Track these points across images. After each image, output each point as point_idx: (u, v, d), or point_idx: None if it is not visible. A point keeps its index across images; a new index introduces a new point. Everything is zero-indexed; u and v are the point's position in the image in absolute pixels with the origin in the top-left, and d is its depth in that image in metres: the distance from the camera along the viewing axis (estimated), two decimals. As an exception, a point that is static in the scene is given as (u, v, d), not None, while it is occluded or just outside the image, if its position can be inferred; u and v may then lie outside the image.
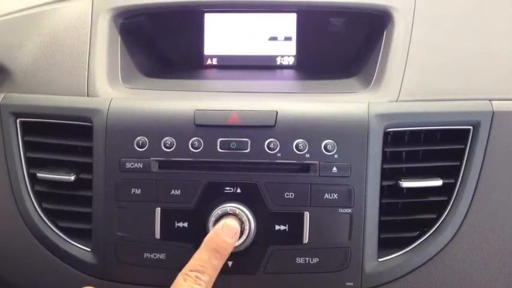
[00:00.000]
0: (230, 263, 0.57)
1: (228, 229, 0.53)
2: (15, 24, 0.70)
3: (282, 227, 0.57)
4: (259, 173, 0.57)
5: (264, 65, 0.79)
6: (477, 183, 0.59)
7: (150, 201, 0.58)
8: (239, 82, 0.74)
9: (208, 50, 0.80)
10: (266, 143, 0.58)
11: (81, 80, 0.65)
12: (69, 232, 0.63)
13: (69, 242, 0.62)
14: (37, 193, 0.63)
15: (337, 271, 0.58)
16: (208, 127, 0.58)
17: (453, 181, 0.60)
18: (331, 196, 0.57)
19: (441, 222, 0.60)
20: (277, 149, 0.57)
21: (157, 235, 0.58)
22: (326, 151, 0.57)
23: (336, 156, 0.57)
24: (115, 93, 0.64)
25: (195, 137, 0.58)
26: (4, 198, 0.63)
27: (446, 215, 0.60)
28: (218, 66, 0.80)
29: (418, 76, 0.63)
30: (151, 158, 0.58)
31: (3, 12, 0.72)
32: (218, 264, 0.51)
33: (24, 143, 0.64)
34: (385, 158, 0.59)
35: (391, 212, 0.60)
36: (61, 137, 0.63)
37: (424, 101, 0.61)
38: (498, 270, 0.60)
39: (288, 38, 0.79)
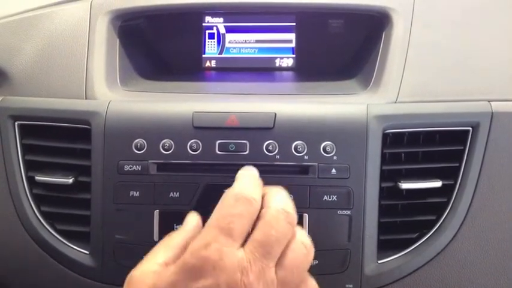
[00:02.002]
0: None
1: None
2: (14, 27, 0.69)
3: None
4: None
5: (262, 67, 0.79)
6: (476, 184, 0.59)
7: (148, 203, 0.58)
8: (238, 84, 0.74)
9: (207, 52, 0.80)
10: (265, 145, 0.57)
11: (79, 83, 0.65)
12: (68, 235, 0.62)
13: (68, 245, 0.62)
14: (35, 196, 0.63)
15: (337, 273, 0.58)
16: (207, 129, 0.58)
17: (452, 182, 0.60)
18: (330, 198, 0.57)
19: (441, 224, 0.60)
20: (276, 151, 0.57)
21: (156, 238, 0.58)
22: (325, 153, 0.57)
23: (335, 157, 0.57)
24: (113, 95, 0.64)
25: (194, 139, 0.58)
26: (2, 201, 0.63)
27: (446, 216, 0.60)
28: (217, 68, 0.80)
29: (417, 77, 0.63)
30: (149, 161, 0.58)
31: (1, 15, 0.72)
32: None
33: (23, 145, 0.63)
34: (384, 159, 0.59)
35: (390, 214, 0.60)
36: (59, 139, 0.62)
37: (423, 102, 0.61)
38: (498, 271, 0.60)
39: (286, 40, 0.79)
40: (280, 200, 0.45)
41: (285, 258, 0.43)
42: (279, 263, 0.42)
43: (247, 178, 0.48)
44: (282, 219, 0.43)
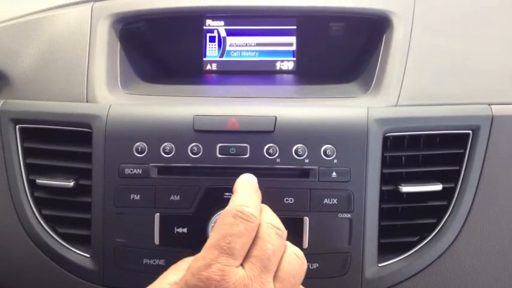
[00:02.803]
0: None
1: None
2: (15, 31, 0.70)
3: None
4: (259, 178, 0.57)
5: (263, 70, 0.79)
6: (477, 188, 0.59)
7: (149, 206, 0.58)
8: (238, 87, 0.74)
9: (207, 55, 0.80)
10: (265, 148, 0.58)
11: (80, 86, 0.65)
12: (69, 238, 0.63)
13: (69, 248, 0.62)
14: (36, 199, 0.63)
15: (337, 276, 0.58)
16: (208, 132, 0.58)
17: (453, 185, 0.60)
18: (330, 201, 0.57)
19: (441, 227, 0.60)
20: (277, 154, 0.57)
21: (157, 241, 0.58)
22: (325, 156, 0.57)
23: (335, 161, 0.57)
24: (114, 99, 0.64)
25: (194, 142, 0.58)
26: (3, 204, 0.63)
27: (446, 219, 0.60)
28: (218, 72, 0.80)
29: (417, 80, 0.63)
30: (150, 164, 0.58)
31: (2, 19, 0.72)
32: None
33: (24, 149, 0.64)
34: (385, 162, 0.59)
35: (391, 217, 0.60)
36: (60, 143, 0.63)
37: (423, 105, 0.61)
38: (499, 274, 0.60)
39: (287, 43, 0.79)
40: (267, 215, 0.46)
41: (281, 270, 0.44)
42: (276, 276, 0.43)
43: (246, 190, 0.49)
44: (274, 234, 0.44)
